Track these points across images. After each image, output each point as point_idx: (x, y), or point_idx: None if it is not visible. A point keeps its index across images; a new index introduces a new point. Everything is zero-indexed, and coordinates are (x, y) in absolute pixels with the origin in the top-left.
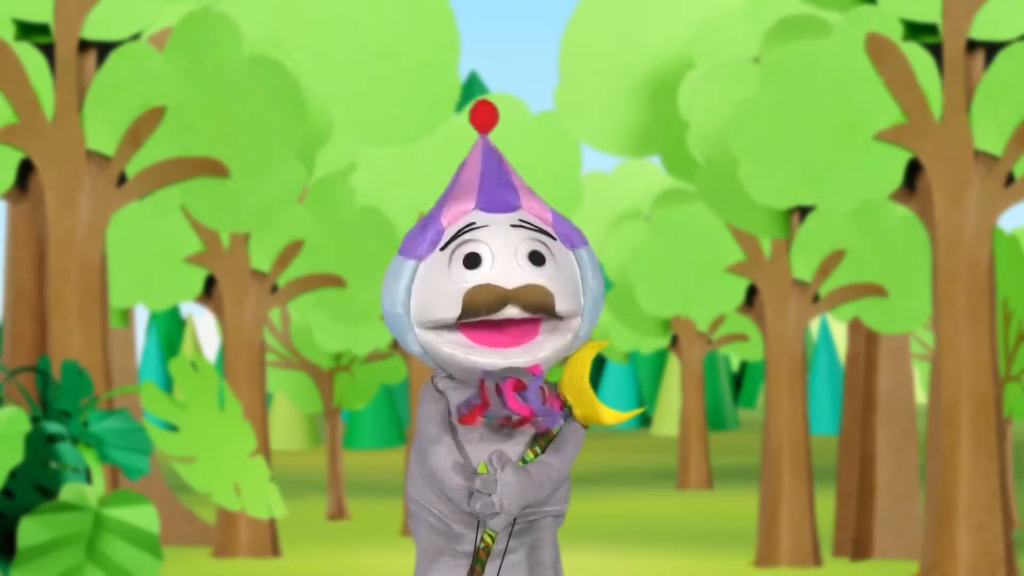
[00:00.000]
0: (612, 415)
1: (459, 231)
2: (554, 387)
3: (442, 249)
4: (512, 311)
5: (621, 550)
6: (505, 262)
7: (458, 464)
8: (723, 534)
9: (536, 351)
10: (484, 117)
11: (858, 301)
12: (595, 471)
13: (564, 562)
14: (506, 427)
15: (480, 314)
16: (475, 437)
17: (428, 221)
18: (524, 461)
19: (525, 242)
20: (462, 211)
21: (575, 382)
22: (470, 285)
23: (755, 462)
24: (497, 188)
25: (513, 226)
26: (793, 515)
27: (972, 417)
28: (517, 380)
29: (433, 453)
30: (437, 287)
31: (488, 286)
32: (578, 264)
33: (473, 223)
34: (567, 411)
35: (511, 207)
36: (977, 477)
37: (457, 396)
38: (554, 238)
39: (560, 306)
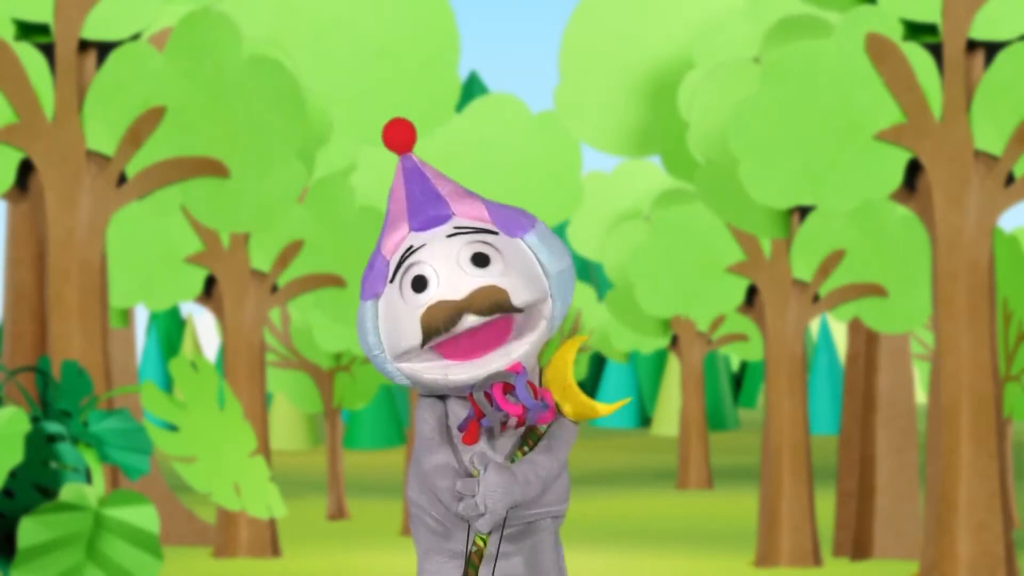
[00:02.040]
0: (601, 407)
1: (401, 258)
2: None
3: (391, 281)
4: (470, 319)
5: (621, 550)
6: (449, 274)
7: (449, 467)
8: (723, 534)
9: (512, 350)
10: (400, 137)
11: (858, 301)
12: (595, 471)
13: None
14: (508, 432)
15: (440, 332)
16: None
17: (373, 259)
18: (513, 460)
19: (465, 248)
20: (399, 239)
21: (559, 379)
22: (423, 307)
23: (755, 462)
24: (425, 205)
25: (449, 236)
26: (793, 515)
27: (972, 417)
28: (504, 383)
29: (426, 455)
30: (398, 318)
31: (440, 303)
32: (530, 249)
33: (411, 246)
34: (556, 408)
35: (443, 219)
36: (977, 477)
37: (455, 403)
38: (496, 232)
39: (517, 299)
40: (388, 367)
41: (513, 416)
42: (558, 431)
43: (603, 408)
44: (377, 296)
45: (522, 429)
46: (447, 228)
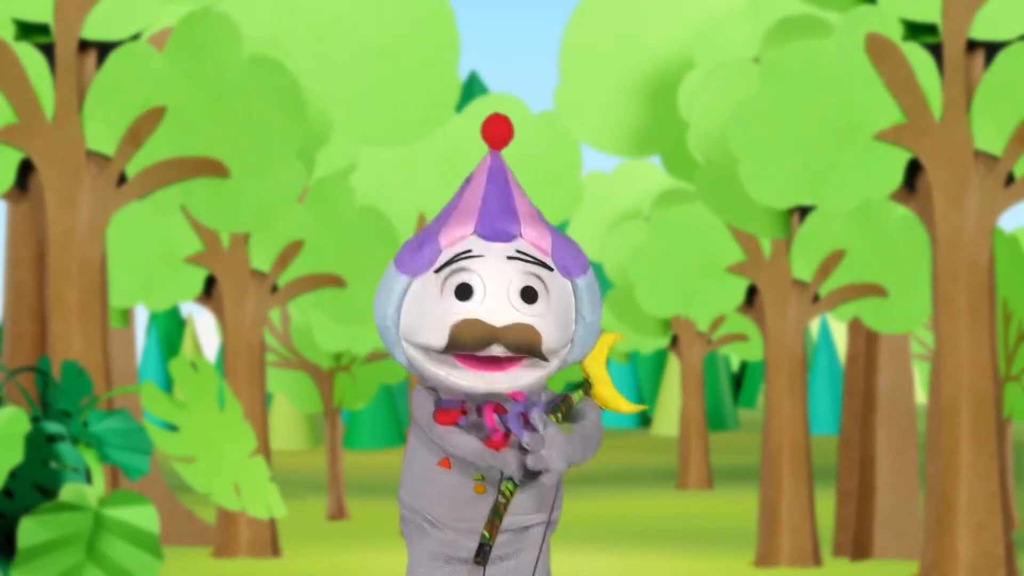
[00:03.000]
0: (626, 404)
1: (455, 256)
2: (534, 410)
3: (437, 271)
4: (497, 350)
5: (621, 550)
6: (496, 297)
7: (464, 432)
8: (723, 534)
9: (520, 378)
10: (497, 132)
11: (858, 301)
12: (595, 471)
13: (565, 562)
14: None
15: (466, 349)
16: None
17: (426, 238)
18: (543, 422)
19: (519, 276)
20: (460, 235)
21: (596, 361)
22: (459, 318)
23: (755, 462)
24: (498, 215)
25: (509, 258)
26: (793, 515)
27: (972, 417)
28: (498, 404)
29: (453, 438)
30: (427, 311)
31: (476, 322)
32: (574, 293)
33: (470, 251)
34: (587, 385)
35: (510, 236)
36: (977, 477)
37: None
38: (551, 269)
39: (547, 346)
40: (395, 346)
41: (493, 438)
42: (589, 412)
43: (623, 405)
44: (415, 275)
45: (553, 402)
46: (509, 248)
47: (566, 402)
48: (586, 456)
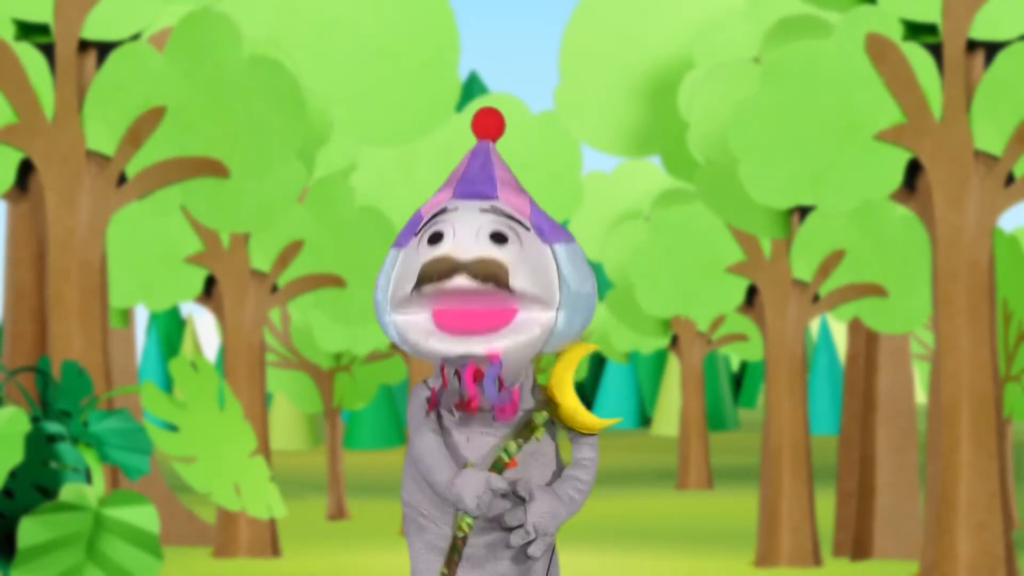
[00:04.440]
0: (592, 420)
1: (432, 216)
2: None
3: (416, 234)
4: (461, 280)
5: (621, 550)
6: (464, 238)
7: (441, 452)
8: (723, 534)
9: (496, 340)
10: (488, 125)
11: (858, 301)
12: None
13: (565, 562)
14: (469, 415)
15: (432, 280)
16: (463, 440)
17: (415, 214)
18: (506, 452)
19: (490, 224)
20: (441, 199)
21: (562, 383)
22: (429, 257)
23: (755, 462)
24: (477, 178)
25: (483, 210)
26: (793, 515)
27: (972, 417)
28: (476, 368)
29: (418, 439)
30: (407, 267)
31: (443, 258)
32: (555, 258)
33: (446, 208)
34: (553, 406)
35: (487, 196)
36: (977, 477)
37: (448, 398)
38: (528, 228)
39: (514, 280)
40: (385, 317)
41: (473, 399)
42: (587, 443)
43: (590, 422)
44: (403, 246)
45: (519, 420)
46: (484, 204)
47: (529, 426)
48: (584, 500)
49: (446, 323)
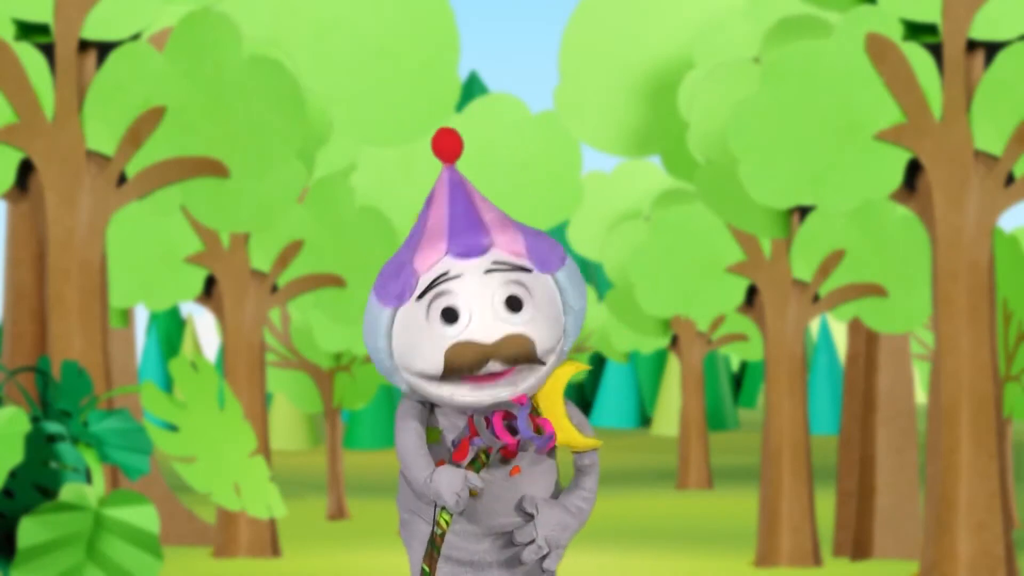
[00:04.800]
0: (582, 440)
1: (433, 281)
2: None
3: (419, 298)
4: (494, 366)
5: (621, 550)
6: (482, 315)
7: (421, 450)
8: (723, 534)
9: (519, 381)
10: (448, 146)
11: (858, 301)
12: None
13: (565, 561)
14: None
15: (463, 372)
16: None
17: (400, 266)
18: (487, 454)
19: (501, 288)
20: (434, 258)
21: (552, 400)
22: (450, 343)
23: (755, 462)
24: (467, 231)
25: (487, 271)
26: (793, 515)
27: (972, 417)
28: (505, 412)
29: (402, 438)
30: (418, 340)
31: (468, 344)
32: (558, 287)
33: (446, 272)
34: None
35: (483, 249)
36: (977, 477)
37: (444, 418)
38: (530, 270)
39: (541, 350)
40: (392, 373)
41: (509, 446)
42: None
43: (583, 441)
44: (398, 306)
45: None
46: (485, 262)
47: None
48: (584, 520)
49: (469, 380)
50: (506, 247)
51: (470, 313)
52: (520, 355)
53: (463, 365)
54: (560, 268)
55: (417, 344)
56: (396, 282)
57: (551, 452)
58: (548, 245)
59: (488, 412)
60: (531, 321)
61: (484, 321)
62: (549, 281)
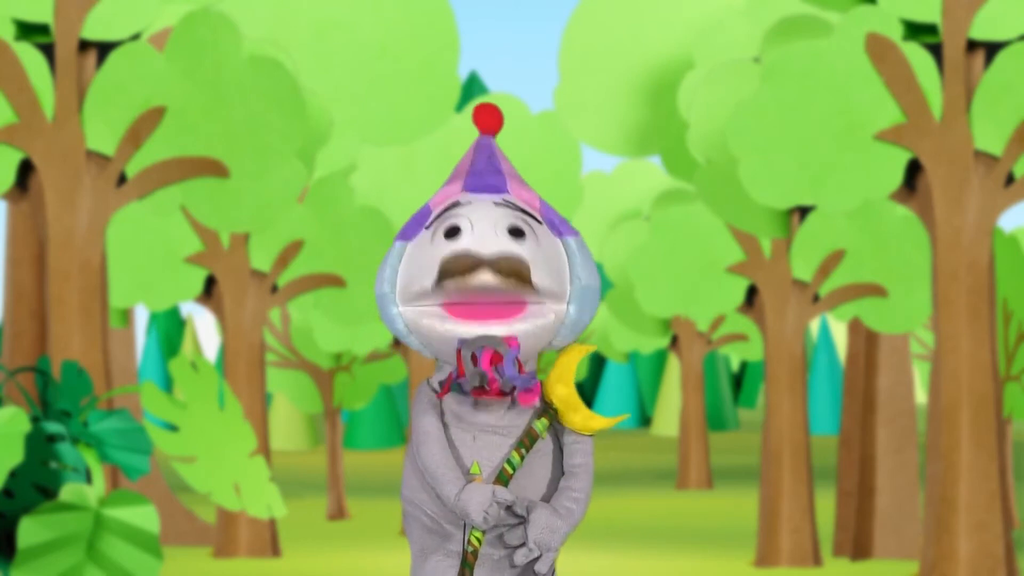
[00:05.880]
0: (599, 422)
1: (444, 209)
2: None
3: (427, 228)
4: (486, 276)
5: (621, 550)
6: (483, 232)
7: (449, 464)
8: (723, 534)
9: (514, 324)
10: (487, 121)
11: (858, 301)
12: (595, 471)
13: (565, 561)
14: (485, 403)
15: (455, 276)
16: (468, 439)
17: (421, 209)
18: (510, 464)
19: (507, 218)
20: (450, 193)
21: (562, 383)
22: (448, 251)
23: (755, 462)
24: (485, 172)
25: (497, 204)
26: (793, 515)
27: (972, 417)
28: (494, 350)
29: (425, 450)
30: (420, 261)
31: (465, 252)
32: (565, 252)
33: (458, 202)
34: (553, 413)
35: (496, 189)
36: (977, 477)
37: (451, 401)
38: (540, 222)
39: (536, 278)
40: (391, 309)
41: (492, 383)
42: (578, 449)
43: (602, 420)
44: (409, 239)
45: (519, 433)
46: (497, 198)
47: (531, 435)
48: (584, 510)
49: (461, 314)
50: (520, 196)
51: (471, 229)
52: (513, 270)
53: (455, 269)
54: (569, 236)
55: (418, 264)
56: (412, 220)
57: (556, 444)
58: (560, 216)
59: (476, 347)
60: (531, 251)
61: (484, 236)
62: (557, 242)
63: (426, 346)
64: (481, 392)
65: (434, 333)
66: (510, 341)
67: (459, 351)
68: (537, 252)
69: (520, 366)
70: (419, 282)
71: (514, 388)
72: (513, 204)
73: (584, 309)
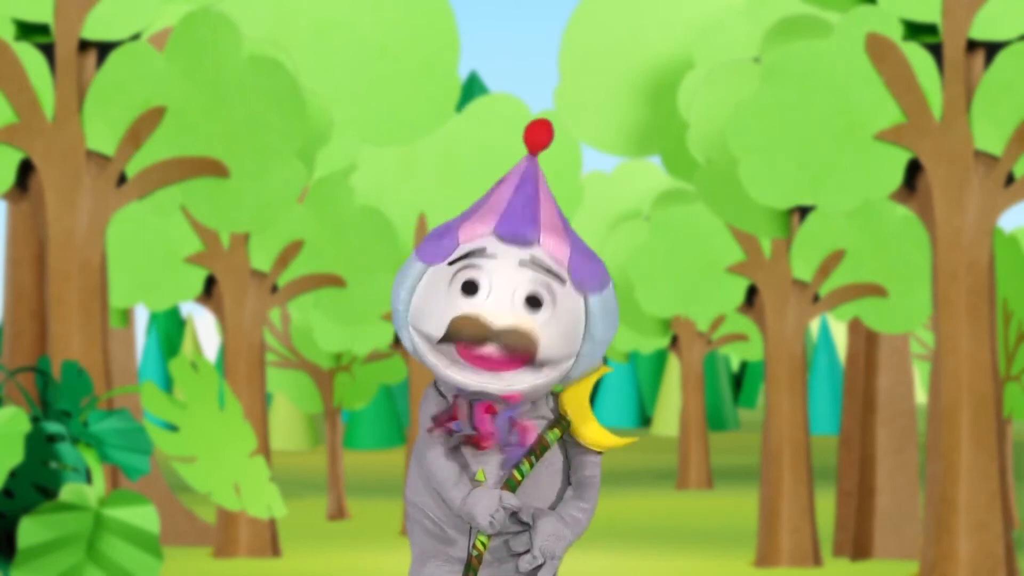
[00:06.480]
0: (610, 439)
1: (469, 252)
2: (524, 419)
3: (450, 264)
4: (491, 349)
5: (621, 550)
6: (499, 299)
7: (455, 468)
8: (723, 534)
9: (514, 381)
10: (537, 136)
11: (858, 301)
12: None
13: (565, 561)
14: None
15: (460, 342)
16: (471, 449)
17: (447, 229)
18: (519, 471)
19: (527, 283)
20: (479, 232)
21: (577, 398)
22: (460, 312)
23: (755, 462)
24: (520, 219)
25: (522, 263)
26: (793, 515)
27: (972, 417)
28: (491, 404)
29: (432, 455)
30: (433, 301)
31: (476, 319)
32: (586, 310)
33: (484, 249)
34: (565, 424)
35: (527, 241)
36: (977, 477)
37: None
38: (564, 281)
39: (543, 355)
40: (402, 326)
41: (484, 438)
42: (588, 461)
43: (605, 440)
44: (431, 264)
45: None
46: (524, 253)
47: (540, 444)
48: (588, 520)
49: (469, 357)
50: (550, 250)
51: (489, 292)
52: (520, 349)
53: (463, 336)
54: (595, 293)
55: (432, 304)
56: (438, 243)
57: (564, 455)
58: (592, 267)
59: (475, 398)
60: (544, 325)
61: (499, 305)
62: (580, 301)
63: (430, 369)
64: (470, 441)
65: (435, 371)
66: (508, 398)
67: (456, 397)
68: (550, 323)
69: (512, 424)
70: (427, 326)
71: (501, 447)
72: (539, 262)
73: (591, 360)
